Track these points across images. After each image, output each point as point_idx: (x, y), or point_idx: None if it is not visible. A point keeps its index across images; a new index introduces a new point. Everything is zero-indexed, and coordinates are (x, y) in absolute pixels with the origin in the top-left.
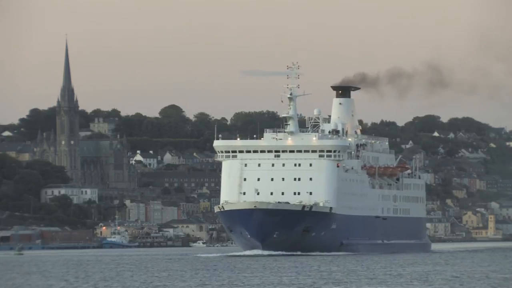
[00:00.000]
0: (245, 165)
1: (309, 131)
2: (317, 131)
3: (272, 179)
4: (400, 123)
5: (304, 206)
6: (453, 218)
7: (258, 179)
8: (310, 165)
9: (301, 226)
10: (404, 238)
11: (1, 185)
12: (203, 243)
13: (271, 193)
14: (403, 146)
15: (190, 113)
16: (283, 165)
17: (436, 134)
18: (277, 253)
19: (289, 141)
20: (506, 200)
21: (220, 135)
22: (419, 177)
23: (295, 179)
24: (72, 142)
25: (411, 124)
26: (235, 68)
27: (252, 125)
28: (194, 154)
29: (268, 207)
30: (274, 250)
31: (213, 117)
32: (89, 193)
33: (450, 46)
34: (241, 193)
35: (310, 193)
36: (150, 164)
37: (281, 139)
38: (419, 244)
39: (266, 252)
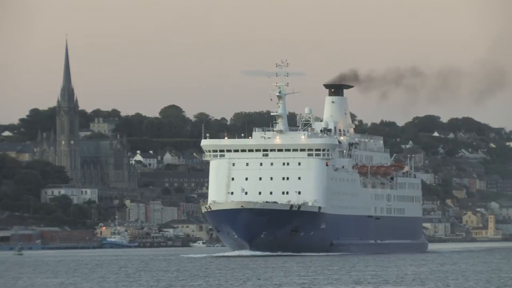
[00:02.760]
0: (233, 164)
1: (300, 130)
2: (307, 130)
3: (260, 179)
4: (400, 123)
5: (292, 206)
6: (453, 218)
7: (246, 179)
8: (299, 164)
9: (289, 226)
10: (399, 238)
11: (1, 185)
12: (203, 243)
13: (259, 193)
14: (403, 146)
15: (190, 113)
16: (271, 164)
17: (436, 134)
18: (264, 253)
19: (277, 140)
20: (506, 200)
21: (207, 134)
22: (415, 176)
23: (283, 178)
24: (72, 142)
25: (411, 124)
26: (235, 68)
27: (251, 125)
28: (194, 154)
29: (255, 206)
30: (262, 251)
31: (213, 117)
32: (89, 193)
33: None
34: (229, 193)
35: (299, 193)
36: (150, 164)
37: (269, 138)
38: (415, 244)
39: (254, 253)
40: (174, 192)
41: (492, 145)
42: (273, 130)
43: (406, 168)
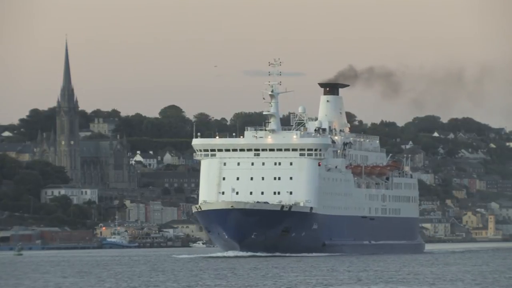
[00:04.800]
0: (224, 164)
1: (293, 129)
2: (300, 129)
3: (251, 178)
4: (400, 123)
5: (283, 206)
6: (453, 219)
7: (238, 178)
8: (291, 164)
9: (280, 227)
10: (394, 239)
11: (1, 185)
12: (203, 243)
13: (251, 193)
14: (403, 146)
15: (190, 113)
16: (263, 164)
17: (436, 134)
18: (255, 254)
19: (269, 139)
20: (506, 200)
21: (199, 133)
22: (411, 176)
23: (275, 178)
24: (72, 142)
25: (411, 124)
26: (236, 68)
27: (251, 125)
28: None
29: (246, 207)
30: (252, 251)
31: (213, 117)
32: (89, 194)
33: None
34: (220, 192)
35: (290, 193)
36: (150, 165)
37: (261, 137)
38: (410, 244)
39: (244, 253)
40: (174, 192)
41: (492, 145)
42: (265, 130)
43: (406, 168)
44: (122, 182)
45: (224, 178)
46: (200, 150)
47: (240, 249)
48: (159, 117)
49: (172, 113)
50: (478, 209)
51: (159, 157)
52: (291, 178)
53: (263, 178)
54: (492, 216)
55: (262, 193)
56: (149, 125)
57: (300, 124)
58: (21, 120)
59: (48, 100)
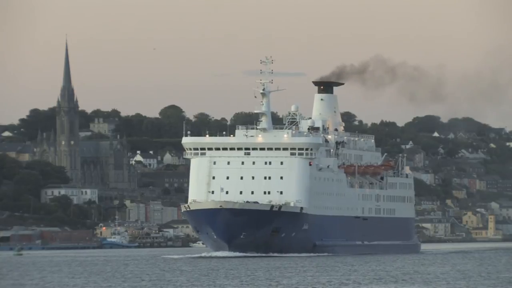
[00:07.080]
0: (214, 163)
1: (286, 128)
2: (291, 128)
3: (241, 178)
4: (400, 123)
5: (272, 206)
6: (453, 219)
7: (227, 178)
8: (281, 163)
9: (270, 227)
10: (388, 239)
11: (1, 185)
12: (203, 243)
13: (240, 192)
14: (403, 146)
15: (190, 113)
16: (253, 163)
17: (436, 134)
18: (244, 254)
19: (260, 138)
20: (506, 200)
21: (189, 132)
22: (407, 176)
23: (265, 177)
24: (72, 142)
25: (411, 124)
26: (236, 68)
27: (250, 125)
28: None
29: (235, 206)
30: (241, 251)
31: (213, 117)
32: (89, 194)
33: None
34: (209, 192)
35: (281, 193)
36: (150, 165)
37: (252, 136)
38: (406, 245)
39: (233, 254)
40: (174, 192)
41: (492, 145)
42: (256, 128)
43: (406, 168)
44: (122, 182)
45: (213, 177)
46: (190, 149)
47: (229, 249)
48: (159, 117)
49: (172, 113)
50: (478, 209)
51: (159, 157)
52: (281, 177)
53: (253, 178)
54: (492, 216)
55: (252, 192)
56: (149, 125)
57: (293, 123)
58: (21, 120)
59: (48, 100)
